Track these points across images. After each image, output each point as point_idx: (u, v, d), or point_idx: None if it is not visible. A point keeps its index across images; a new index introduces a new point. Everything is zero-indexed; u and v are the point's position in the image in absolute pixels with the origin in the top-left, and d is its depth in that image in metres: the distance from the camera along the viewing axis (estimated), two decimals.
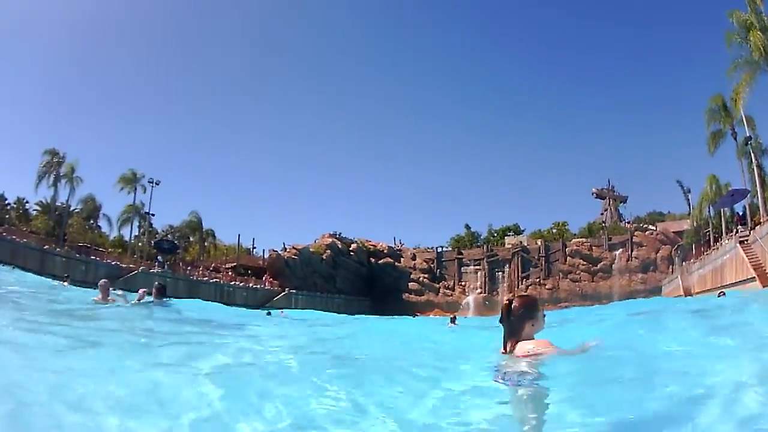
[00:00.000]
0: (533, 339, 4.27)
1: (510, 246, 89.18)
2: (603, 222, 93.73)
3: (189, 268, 56.04)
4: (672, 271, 71.61)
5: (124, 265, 49.16)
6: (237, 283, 57.39)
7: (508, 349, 4.33)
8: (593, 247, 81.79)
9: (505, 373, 4.14)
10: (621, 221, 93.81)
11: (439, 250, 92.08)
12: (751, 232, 38.02)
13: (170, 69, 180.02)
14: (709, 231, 59.54)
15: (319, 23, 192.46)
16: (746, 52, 38.54)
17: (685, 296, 50.39)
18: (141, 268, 48.46)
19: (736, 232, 40.56)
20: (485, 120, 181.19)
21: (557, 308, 70.66)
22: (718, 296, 21.59)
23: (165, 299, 13.40)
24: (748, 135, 44.91)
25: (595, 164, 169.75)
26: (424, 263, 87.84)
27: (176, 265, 54.71)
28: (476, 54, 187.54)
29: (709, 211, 59.58)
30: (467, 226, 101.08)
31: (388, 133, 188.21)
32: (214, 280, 54.29)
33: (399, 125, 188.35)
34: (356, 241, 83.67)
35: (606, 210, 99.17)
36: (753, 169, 46.42)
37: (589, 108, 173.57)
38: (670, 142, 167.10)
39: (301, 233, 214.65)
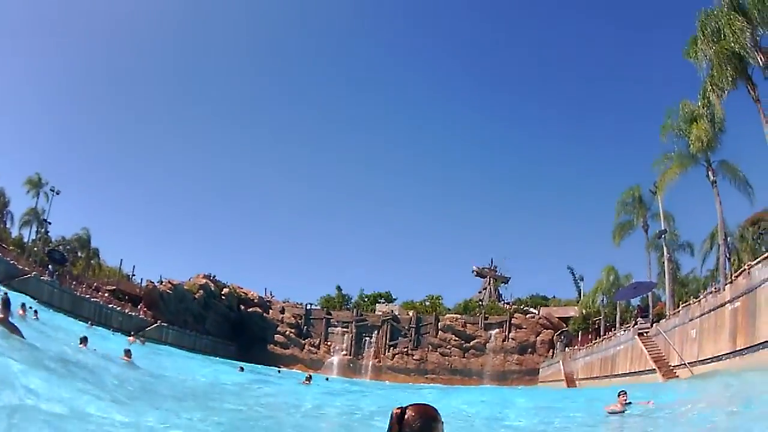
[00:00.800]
0: None
1: (381, 313, 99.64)
2: (480, 300, 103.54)
3: (74, 282, 61.13)
4: (552, 355, 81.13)
5: (20, 267, 53.95)
6: (115, 306, 62.95)
7: None
8: (467, 324, 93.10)
9: None
10: (500, 301, 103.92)
11: (309, 307, 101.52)
12: (654, 324, 43.65)
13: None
14: (599, 320, 67.09)
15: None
16: (681, 146, 41.23)
17: (567, 383, 58.42)
18: (34, 273, 53.47)
19: (635, 323, 46.43)
20: (366, 183, 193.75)
21: (425, 381, 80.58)
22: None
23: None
24: (663, 228, 49.85)
25: (477, 241, 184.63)
26: (293, 318, 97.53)
27: (63, 277, 59.77)
28: (356, 115, 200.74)
29: (603, 301, 65.63)
30: (338, 288, 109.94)
31: (267, 185, 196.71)
32: (95, 299, 59.83)
33: (281, 178, 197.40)
34: (228, 286, 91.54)
35: (485, 289, 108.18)
36: (663, 262, 52.06)
37: (475, 183, 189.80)
38: (561, 228, 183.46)
39: (177, 268, 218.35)
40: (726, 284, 32.32)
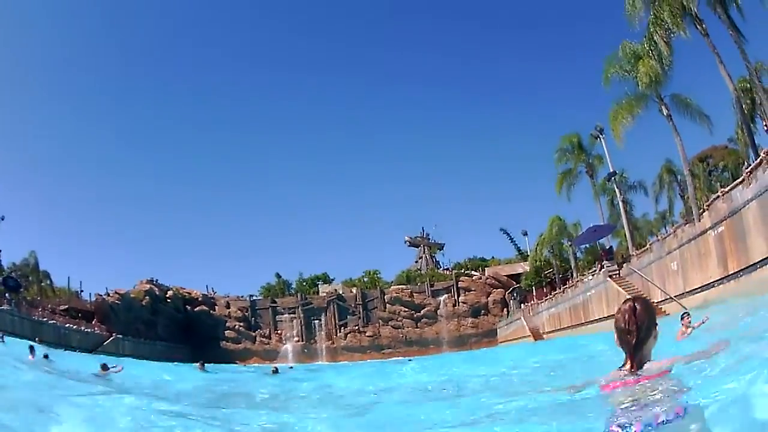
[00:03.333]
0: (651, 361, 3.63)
1: (324, 294, 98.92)
2: (418, 270, 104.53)
3: (30, 308, 58.87)
4: (507, 315, 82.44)
5: None
6: (71, 326, 61.00)
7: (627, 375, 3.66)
8: (414, 294, 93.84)
9: (630, 410, 3.33)
10: (438, 268, 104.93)
11: (253, 298, 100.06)
12: (624, 265, 44.13)
13: None
14: (552, 271, 68.60)
15: None
16: (629, 87, 40.89)
17: (534, 338, 58.89)
18: None
19: (602, 267, 46.26)
20: (289, 165, 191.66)
21: (382, 356, 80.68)
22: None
23: None
24: (613, 170, 50.12)
25: (405, 213, 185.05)
26: (239, 311, 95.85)
27: (20, 303, 57.47)
28: (279, 93, 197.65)
29: (552, 251, 67.55)
30: (278, 275, 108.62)
31: (191, 179, 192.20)
32: (53, 321, 57.88)
33: (203, 170, 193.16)
34: (172, 288, 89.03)
35: (421, 258, 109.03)
36: (617, 204, 53.07)
37: (398, 150, 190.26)
38: (490, 190, 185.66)
39: (121, 277, 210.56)
40: (702, 212, 33.22)
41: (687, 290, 33.51)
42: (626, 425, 3.35)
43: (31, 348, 28.94)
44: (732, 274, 28.71)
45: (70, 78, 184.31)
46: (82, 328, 63.42)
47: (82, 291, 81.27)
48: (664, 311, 34.44)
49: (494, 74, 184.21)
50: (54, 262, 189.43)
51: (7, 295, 57.08)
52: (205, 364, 38.08)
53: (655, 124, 42.28)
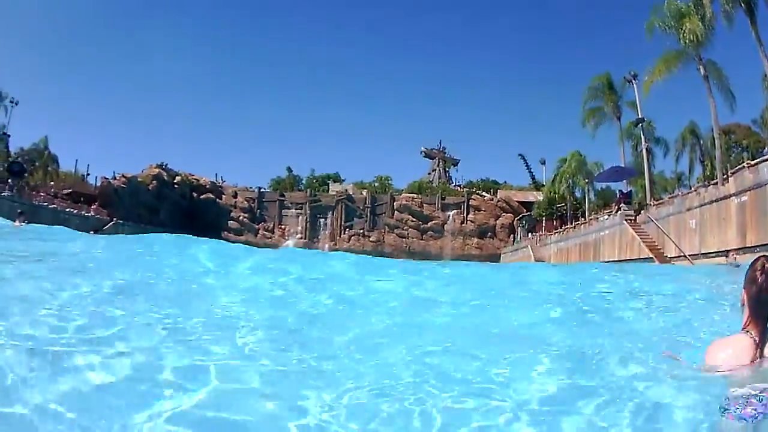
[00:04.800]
0: None
1: (335, 193, 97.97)
2: (430, 182, 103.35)
3: (33, 192, 58.37)
4: (513, 241, 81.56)
5: None
6: (72, 209, 60.54)
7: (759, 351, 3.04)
8: (424, 204, 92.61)
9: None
10: (450, 184, 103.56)
11: (261, 190, 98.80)
12: (642, 212, 43.36)
13: None
14: (564, 206, 67.56)
15: None
16: (671, 41, 39.92)
17: None
18: None
19: (618, 209, 45.61)
20: (313, 64, 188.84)
21: None
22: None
23: None
24: (641, 117, 49.91)
25: (425, 124, 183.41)
26: (245, 202, 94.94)
27: (23, 189, 56.91)
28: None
29: (571, 185, 66.58)
30: (289, 169, 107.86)
31: (212, 67, 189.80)
32: (53, 206, 57.37)
33: (225, 60, 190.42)
34: (181, 174, 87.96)
35: (435, 170, 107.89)
36: (640, 151, 52.92)
37: (423, 67, 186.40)
38: (513, 116, 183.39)
39: (131, 162, 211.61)
40: (728, 177, 32.33)
41: (702, 251, 32.69)
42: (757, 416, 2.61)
43: (20, 213, 28.67)
44: (750, 246, 27.73)
45: None
46: (83, 212, 62.98)
47: (88, 174, 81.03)
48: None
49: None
50: (66, 148, 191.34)
51: (9, 180, 56.41)
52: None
53: (683, 85, 41.57)
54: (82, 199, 68.02)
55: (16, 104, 64.61)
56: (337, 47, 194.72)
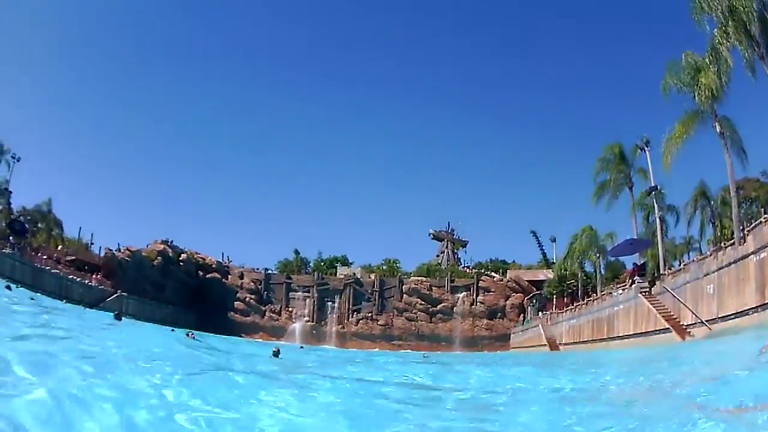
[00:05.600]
0: None
1: (342, 276, 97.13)
2: (439, 264, 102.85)
3: (34, 254, 57.81)
4: (523, 320, 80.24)
5: None
6: (75, 277, 59.87)
7: None
8: (433, 287, 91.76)
9: None
10: (459, 265, 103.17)
11: (268, 272, 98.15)
12: (657, 283, 42.13)
13: None
14: (575, 282, 66.64)
15: None
16: (688, 101, 39.11)
17: (550, 348, 57.16)
18: None
19: (632, 283, 44.72)
20: (318, 145, 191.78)
21: (392, 347, 78.86)
22: None
23: None
24: (654, 185, 49.28)
25: (432, 205, 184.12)
26: (252, 284, 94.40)
27: (24, 249, 56.31)
28: (317, 79, 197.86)
29: (581, 261, 65.63)
30: (296, 252, 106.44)
31: (219, 144, 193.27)
32: (56, 270, 56.76)
33: (234, 137, 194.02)
34: (186, 252, 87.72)
35: (443, 252, 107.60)
36: (652, 220, 52.58)
37: (428, 148, 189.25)
38: (520, 193, 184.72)
39: (135, 235, 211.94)
40: (744, 237, 31.45)
41: (720, 315, 31.37)
42: None
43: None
44: None
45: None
46: (86, 281, 62.23)
47: (92, 243, 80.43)
48: (692, 335, 33.28)
49: (536, 75, 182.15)
50: (70, 213, 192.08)
51: (11, 238, 55.97)
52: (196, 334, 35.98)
53: (690, 145, 40.61)
54: (86, 267, 67.37)
55: (18, 161, 64.40)
56: (341, 131, 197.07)
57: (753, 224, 30.82)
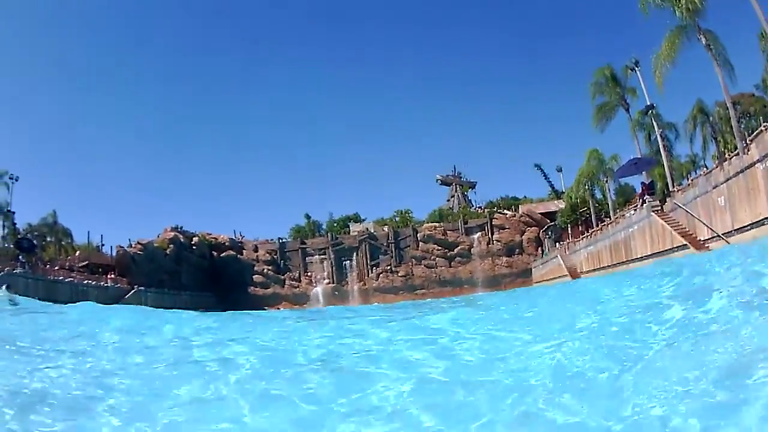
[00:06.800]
0: None
1: (356, 233, 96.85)
2: (450, 208, 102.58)
3: (46, 267, 58.02)
4: (541, 254, 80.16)
5: None
6: (89, 281, 59.98)
7: None
8: (448, 231, 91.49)
9: None
10: (471, 207, 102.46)
11: (282, 241, 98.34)
12: (667, 200, 42.19)
13: None
14: (587, 210, 66.62)
15: None
16: (671, 18, 38.93)
17: (572, 277, 56.94)
18: (6, 269, 49.94)
19: (643, 202, 44.21)
20: (317, 111, 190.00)
21: (415, 297, 78.78)
22: None
23: None
24: (650, 103, 49.45)
25: (436, 152, 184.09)
26: (267, 255, 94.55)
27: (35, 265, 56.46)
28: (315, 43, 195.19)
29: (590, 187, 65.61)
30: (307, 216, 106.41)
31: (218, 124, 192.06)
32: (69, 279, 56.87)
33: (232, 113, 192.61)
34: (197, 234, 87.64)
35: (453, 196, 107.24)
36: (654, 138, 52.38)
37: (426, 94, 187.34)
38: (521, 128, 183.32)
39: (145, 228, 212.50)
40: (749, 144, 30.80)
41: (735, 227, 31.08)
42: None
43: None
44: None
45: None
46: (101, 283, 62.45)
47: (102, 245, 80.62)
48: (709, 248, 32.78)
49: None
50: (77, 221, 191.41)
51: (20, 257, 56.04)
52: None
53: (678, 62, 39.82)
54: (100, 269, 67.64)
55: (16, 180, 64.36)
56: (337, 85, 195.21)
57: (755, 133, 30.14)
